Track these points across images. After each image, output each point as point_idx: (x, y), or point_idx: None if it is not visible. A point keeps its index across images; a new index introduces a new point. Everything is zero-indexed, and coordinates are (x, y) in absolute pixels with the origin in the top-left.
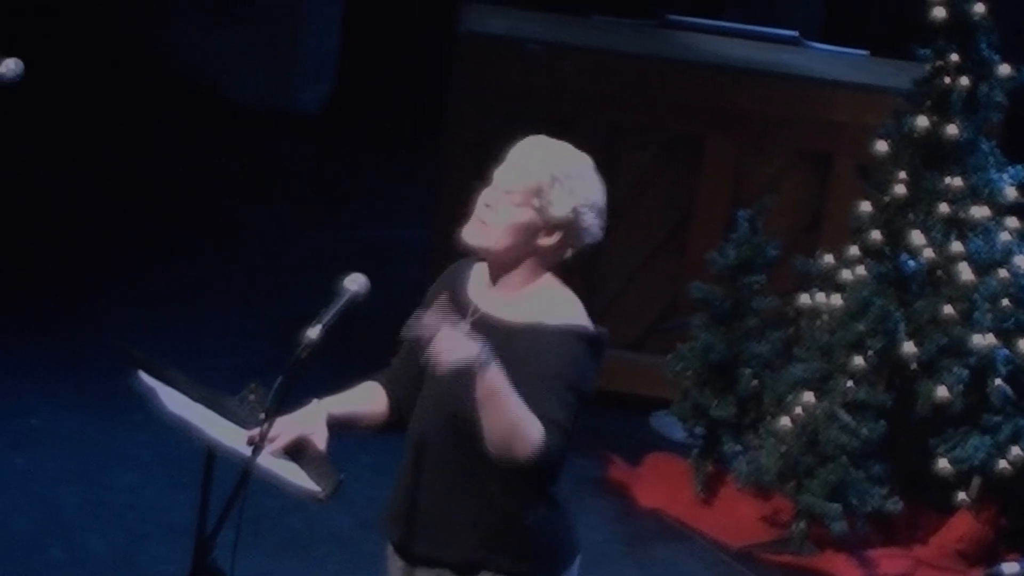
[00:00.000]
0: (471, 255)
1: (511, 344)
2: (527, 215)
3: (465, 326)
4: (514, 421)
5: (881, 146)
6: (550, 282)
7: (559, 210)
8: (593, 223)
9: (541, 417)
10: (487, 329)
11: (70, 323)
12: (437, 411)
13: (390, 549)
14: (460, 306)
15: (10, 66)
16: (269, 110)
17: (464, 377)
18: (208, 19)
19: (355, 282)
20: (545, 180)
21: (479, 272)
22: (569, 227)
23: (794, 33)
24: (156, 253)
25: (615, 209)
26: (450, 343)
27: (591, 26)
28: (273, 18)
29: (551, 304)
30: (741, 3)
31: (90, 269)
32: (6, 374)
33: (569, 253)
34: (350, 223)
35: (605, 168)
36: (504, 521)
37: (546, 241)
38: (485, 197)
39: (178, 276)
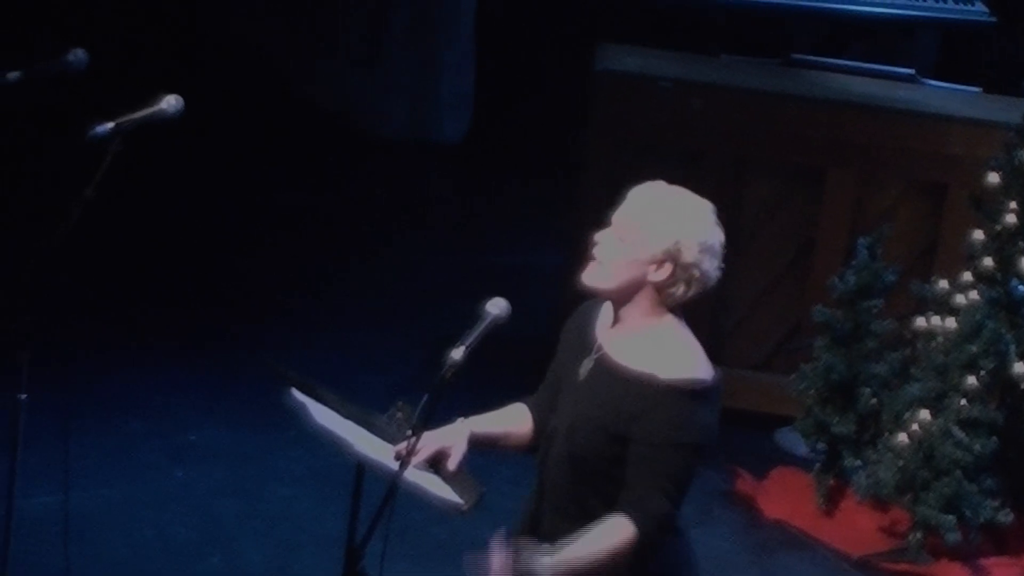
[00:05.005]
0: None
1: (626, 392)
2: (633, 247)
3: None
4: (600, 559)
5: (993, 177)
6: (669, 324)
7: (663, 239)
8: (705, 261)
9: (651, 486)
10: (605, 371)
11: (227, 344)
12: (559, 443)
13: None
14: (586, 344)
15: (171, 102)
16: (413, 143)
17: (583, 422)
18: (355, 58)
19: (497, 306)
20: (648, 211)
21: (606, 310)
22: (676, 259)
23: (911, 71)
24: (309, 278)
25: (742, 237)
26: None
27: (719, 65)
28: (415, 56)
29: (666, 351)
30: (864, 43)
31: (247, 293)
32: (167, 392)
33: (683, 292)
34: (491, 249)
35: (731, 199)
36: None
37: (657, 275)
38: (597, 236)
39: (330, 299)
